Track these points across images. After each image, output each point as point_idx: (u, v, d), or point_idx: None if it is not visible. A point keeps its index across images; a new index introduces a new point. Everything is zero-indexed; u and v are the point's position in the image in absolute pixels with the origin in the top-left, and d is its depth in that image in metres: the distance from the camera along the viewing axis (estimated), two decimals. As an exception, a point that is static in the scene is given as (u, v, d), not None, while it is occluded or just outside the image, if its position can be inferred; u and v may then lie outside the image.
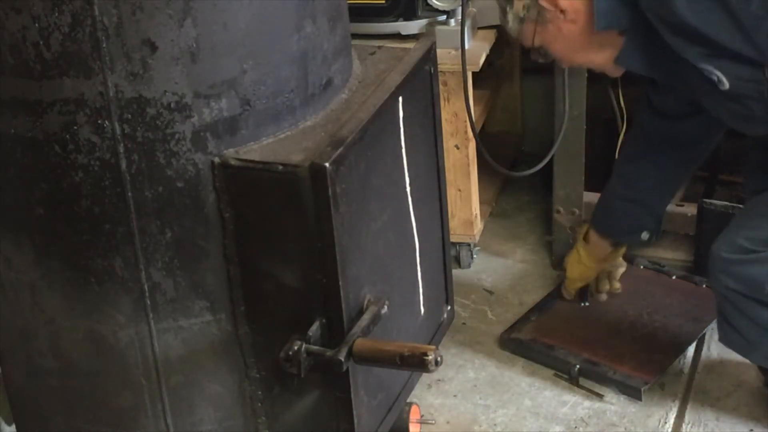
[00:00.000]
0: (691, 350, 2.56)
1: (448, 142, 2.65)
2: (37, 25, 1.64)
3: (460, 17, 2.57)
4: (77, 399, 1.97)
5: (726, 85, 1.94)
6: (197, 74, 1.70)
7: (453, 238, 2.65)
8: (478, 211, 2.84)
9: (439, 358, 1.78)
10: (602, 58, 2.12)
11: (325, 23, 1.87)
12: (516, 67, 3.26)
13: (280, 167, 1.74)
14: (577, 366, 2.49)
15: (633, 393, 2.43)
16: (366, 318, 1.84)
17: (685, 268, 2.78)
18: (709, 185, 2.97)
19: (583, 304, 2.69)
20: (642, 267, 2.78)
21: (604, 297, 2.68)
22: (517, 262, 2.98)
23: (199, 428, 1.95)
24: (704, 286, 2.66)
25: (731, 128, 2.24)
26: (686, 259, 2.79)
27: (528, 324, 2.67)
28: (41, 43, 1.65)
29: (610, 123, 2.84)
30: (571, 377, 2.50)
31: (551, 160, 2.70)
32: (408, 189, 2.05)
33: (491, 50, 2.73)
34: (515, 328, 2.66)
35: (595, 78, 2.70)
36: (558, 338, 2.60)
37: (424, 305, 2.19)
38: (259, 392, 1.94)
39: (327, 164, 1.70)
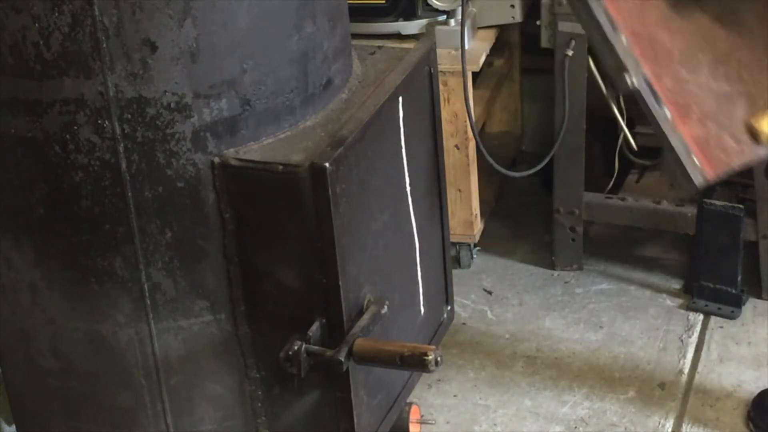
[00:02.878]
0: (691, 350, 2.57)
1: (448, 142, 2.65)
2: (37, 25, 1.64)
3: (460, 17, 2.57)
4: (77, 399, 1.97)
5: None
6: (197, 74, 1.70)
7: (453, 238, 2.65)
8: (478, 211, 2.84)
9: (439, 358, 1.78)
10: None
11: (325, 23, 1.87)
12: (516, 67, 3.26)
13: (280, 167, 1.74)
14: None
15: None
16: (366, 318, 1.84)
17: (685, 268, 2.78)
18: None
19: None
20: None
21: None
22: (517, 262, 2.98)
23: (199, 428, 1.95)
24: None
25: None
26: (686, 259, 2.80)
27: None
28: (41, 43, 1.65)
29: (610, 123, 2.84)
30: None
31: (551, 160, 2.71)
32: (408, 189, 2.05)
33: (491, 50, 2.73)
34: None
35: (595, 78, 2.70)
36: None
37: (424, 305, 2.19)
38: (259, 392, 1.94)
39: (327, 164, 1.70)
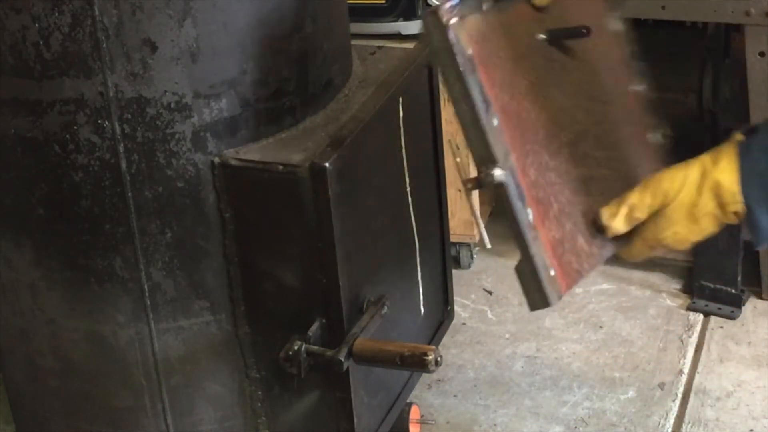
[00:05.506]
0: (691, 350, 2.57)
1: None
2: (37, 25, 1.64)
3: (460, 17, 2.57)
4: (77, 399, 1.97)
5: None
6: (197, 74, 1.70)
7: (453, 238, 2.65)
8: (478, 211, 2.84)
9: (439, 358, 1.78)
10: None
11: (325, 23, 1.87)
12: (516, 67, 3.26)
13: (280, 167, 1.74)
14: None
15: None
16: (366, 318, 1.84)
17: (685, 268, 2.78)
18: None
19: None
20: None
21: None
22: (516, 262, 2.98)
23: (199, 428, 1.95)
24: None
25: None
26: (686, 260, 2.79)
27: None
28: (41, 43, 1.65)
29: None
30: None
31: (551, 160, 2.70)
32: (408, 189, 2.05)
33: (491, 50, 2.73)
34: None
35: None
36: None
37: (424, 305, 2.19)
38: (259, 392, 1.94)
39: (327, 164, 1.70)
